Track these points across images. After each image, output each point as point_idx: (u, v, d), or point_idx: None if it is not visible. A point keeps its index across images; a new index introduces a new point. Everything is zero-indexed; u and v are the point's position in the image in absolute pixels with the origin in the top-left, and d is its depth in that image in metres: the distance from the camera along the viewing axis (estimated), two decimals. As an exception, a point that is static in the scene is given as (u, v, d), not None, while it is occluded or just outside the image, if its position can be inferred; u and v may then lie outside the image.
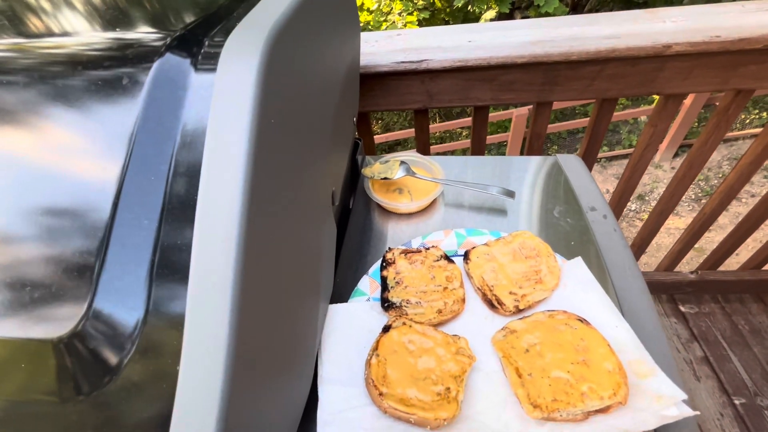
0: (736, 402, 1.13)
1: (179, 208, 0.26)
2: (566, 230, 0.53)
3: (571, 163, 0.62)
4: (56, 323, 0.25)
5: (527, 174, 0.63)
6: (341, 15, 0.49)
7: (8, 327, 0.25)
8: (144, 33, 0.32)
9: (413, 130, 3.67)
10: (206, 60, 0.29)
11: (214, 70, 0.27)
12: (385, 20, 3.67)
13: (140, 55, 0.29)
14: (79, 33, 0.32)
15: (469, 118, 3.52)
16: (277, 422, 0.31)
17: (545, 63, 0.73)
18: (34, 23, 0.35)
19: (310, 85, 0.37)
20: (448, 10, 4.05)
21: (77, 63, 0.30)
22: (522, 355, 0.38)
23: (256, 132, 0.25)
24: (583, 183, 0.58)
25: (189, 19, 0.33)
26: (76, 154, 0.27)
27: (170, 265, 0.25)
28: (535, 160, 0.65)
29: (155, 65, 0.28)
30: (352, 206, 0.62)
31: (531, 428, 0.35)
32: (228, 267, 0.23)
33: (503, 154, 3.53)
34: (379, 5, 3.77)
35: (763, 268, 1.25)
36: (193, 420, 0.23)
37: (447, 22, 4.18)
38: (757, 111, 3.83)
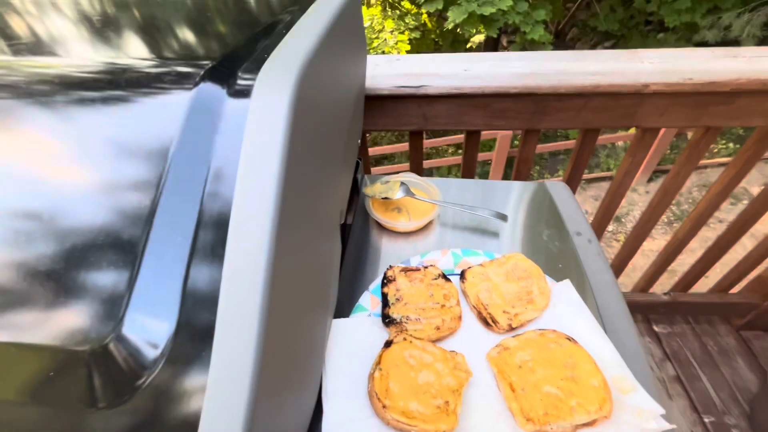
0: (706, 420, 1.19)
1: (211, 227, 0.28)
2: (554, 253, 0.56)
3: (558, 189, 0.66)
4: (89, 333, 0.26)
5: (518, 198, 0.66)
6: (354, 42, 0.52)
7: (41, 335, 0.26)
8: (182, 61, 0.34)
9: (400, 145, 3.71)
10: (240, 90, 0.31)
11: (247, 99, 0.30)
12: (377, 37, 3.76)
13: (179, 83, 0.31)
14: (120, 57, 0.34)
15: (456, 136, 3.62)
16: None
17: (535, 94, 0.78)
18: (77, 47, 0.36)
19: (327, 111, 0.39)
20: (438, 31, 4.19)
21: (118, 84, 0.31)
22: (515, 370, 0.41)
23: (285, 160, 0.27)
24: (569, 209, 0.63)
25: (222, 49, 0.35)
26: (115, 170, 0.29)
27: (202, 279, 0.27)
28: (525, 186, 0.69)
29: (193, 93, 0.30)
30: (352, 224, 0.64)
31: (524, 440, 0.37)
32: (257, 284, 0.25)
33: (488, 171, 3.63)
34: (372, 23, 3.86)
35: (730, 292, 1.33)
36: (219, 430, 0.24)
37: (437, 43, 4.32)
38: (724, 141, 4.07)
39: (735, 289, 1.33)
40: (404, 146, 3.70)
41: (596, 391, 0.38)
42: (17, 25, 0.40)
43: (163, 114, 0.30)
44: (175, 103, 0.31)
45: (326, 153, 0.40)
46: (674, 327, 1.40)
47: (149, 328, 0.27)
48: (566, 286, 0.49)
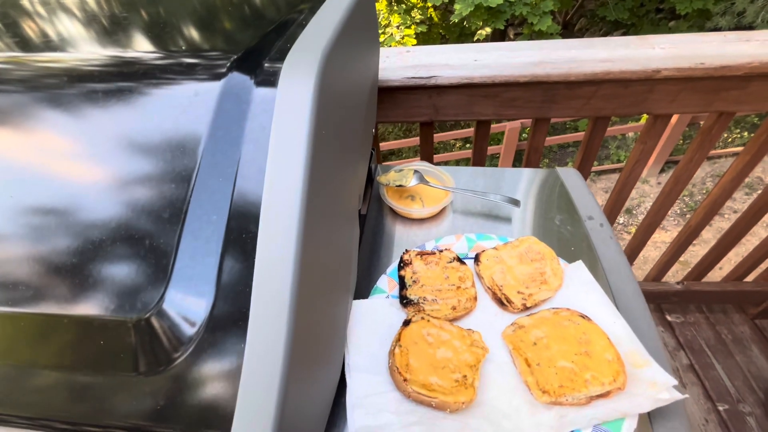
0: (720, 408, 1.19)
1: (244, 207, 0.30)
2: (566, 237, 0.57)
3: (569, 175, 0.67)
4: (134, 306, 0.28)
5: (530, 185, 0.67)
6: (369, 33, 0.53)
7: (91, 306, 0.28)
8: (208, 54, 0.35)
9: (407, 140, 3.71)
10: (267, 78, 0.33)
11: (274, 87, 0.31)
12: (383, 32, 3.76)
13: (208, 72, 0.33)
14: (150, 50, 0.36)
15: (463, 130, 3.61)
16: (316, 405, 0.35)
17: (545, 82, 0.78)
18: (109, 39, 0.38)
19: (346, 99, 0.41)
20: (444, 25, 4.17)
21: (150, 75, 0.33)
22: (530, 347, 0.42)
23: (312, 141, 0.29)
24: (581, 194, 0.63)
25: (244, 44, 0.37)
26: (154, 155, 0.31)
27: (237, 256, 0.29)
28: (537, 173, 0.70)
29: (222, 81, 0.32)
30: (367, 212, 0.66)
31: (540, 411, 0.39)
32: (288, 266, 0.26)
33: (496, 165, 3.62)
34: (378, 18, 3.86)
35: (744, 280, 1.32)
36: (256, 403, 0.26)
37: (444, 37, 4.30)
38: (738, 131, 4.00)
39: (750, 278, 1.32)
40: (411, 141, 3.70)
41: (610, 365, 0.39)
42: (42, 21, 0.42)
43: (195, 103, 0.32)
44: (205, 93, 0.32)
45: (346, 139, 0.41)
46: (687, 316, 1.39)
47: (187, 306, 0.29)
48: (579, 267, 0.50)
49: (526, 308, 0.47)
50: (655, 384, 0.38)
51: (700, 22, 3.89)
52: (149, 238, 0.29)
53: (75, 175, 0.31)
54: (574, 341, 0.42)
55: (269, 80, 0.33)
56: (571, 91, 0.81)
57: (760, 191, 1.05)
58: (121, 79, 0.33)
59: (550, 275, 0.49)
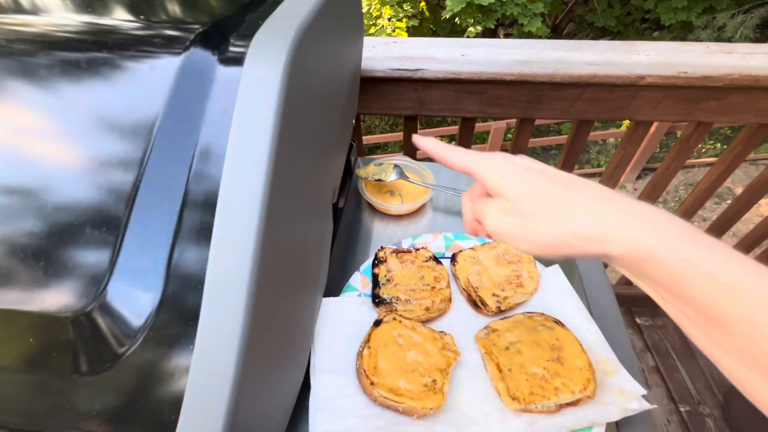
0: (682, 409, 1.23)
1: (201, 196, 0.27)
2: (545, 240, 0.56)
3: (551, 177, 0.67)
4: (71, 299, 0.25)
5: (511, 185, 0.67)
6: (350, 19, 0.51)
7: (23, 300, 0.25)
8: (170, 24, 0.32)
9: (393, 134, 3.69)
10: (232, 57, 0.30)
11: (240, 65, 0.29)
12: (374, 24, 3.71)
13: (167, 47, 0.30)
14: (102, 17, 0.33)
15: (449, 127, 3.61)
16: (275, 407, 0.33)
17: (531, 82, 0.77)
18: (54, 4, 0.34)
19: (322, 86, 0.38)
20: (435, 20, 4.14)
21: (100, 44, 0.30)
22: (503, 351, 0.41)
23: (279, 126, 0.26)
24: (561, 197, 0.63)
25: (213, 13, 0.34)
26: (98, 135, 0.28)
27: (189, 249, 0.27)
28: (518, 173, 0.69)
29: (183, 56, 0.29)
30: (344, 205, 0.63)
31: (509, 419, 0.38)
32: (246, 256, 0.24)
33: (480, 164, 3.62)
34: (369, 9, 3.80)
35: (710, 286, 1.36)
36: (204, 403, 0.24)
37: (434, 32, 4.27)
38: (712, 142, 4.14)
39: (716, 284, 1.36)
40: (397, 136, 3.67)
41: (581, 373, 0.39)
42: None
43: (150, 78, 0.29)
44: (163, 68, 0.29)
45: (321, 128, 0.39)
46: (656, 319, 1.43)
47: (133, 298, 0.26)
48: (555, 271, 0.49)
49: (500, 311, 0.46)
50: (624, 392, 0.38)
51: (683, 33, 3.99)
52: (91, 226, 0.26)
53: (5, 154, 0.27)
54: (547, 347, 0.41)
55: (235, 59, 0.30)
56: (557, 92, 0.80)
57: (729, 200, 1.08)
58: (66, 49, 0.30)
59: (526, 278, 0.48)
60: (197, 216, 0.27)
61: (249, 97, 0.27)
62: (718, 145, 4.14)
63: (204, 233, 0.27)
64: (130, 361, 0.26)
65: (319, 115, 0.38)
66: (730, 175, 0.98)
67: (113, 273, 0.26)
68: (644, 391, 0.38)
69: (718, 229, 1.13)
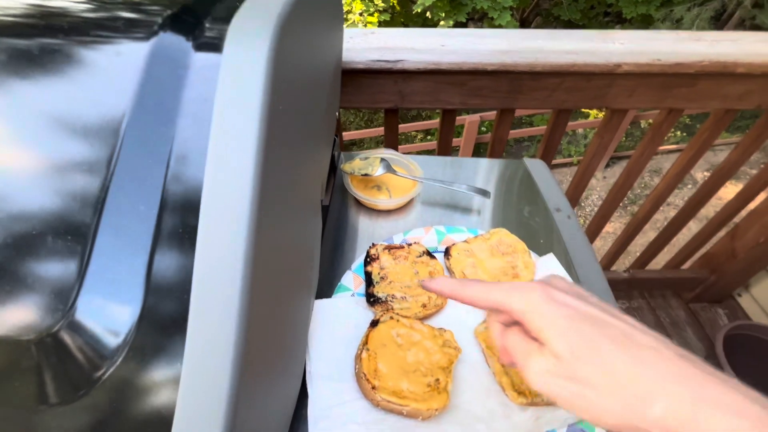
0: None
1: (182, 194, 0.24)
2: (535, 228, 0.56)
3: (536, 166, 0.66)
4: (34, 318, 0.22)
5: (497, 176, 0.66)
6: (332, 8, 0.48)
7: (-25, 325, 0.22)
8: (133, 5, 0.29)
9: (369, 130, 3.65)
10: (210, 39, 0.27)
11: (218, 50, 0.26)
12: (346, 19, 3.66)
13: (133, 30, 0.27)
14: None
15: (425, 122, 3.62)
16: (273, 421, 0.30)
17: (511, 72, 0.77)
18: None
19: (308, 74, 0.36)
20: (406, 14, 4.13)
21: (53, 29, 0.27)
22: (504, 345, 0.40)
23: (267, 115, 0.24)
24: (548, 185, 0.63)
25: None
26: (57, 132, 0.24)
27: (171, 255, 0.24)
28: (503, 163, 0.68)
29: (153, 41, 0.26)
30: (329, 203, 0.61)
31: (514, 413, 0.37)
32: (237, 261, 0.21)
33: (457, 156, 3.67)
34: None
35: (681, 268, 1.42)
36: (198, 424, 0.21)
37: (406, 26, 4.26)
38: (673, 130, 4.35)
39: (686, 266, 1.42)
40: (374, 131, 3.65)
41: (584, 361, 0.38)
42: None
43: (115, 66, 0.26)
44: (130, 54, 0.26)
45: (308, 120, 0.37)
46: (632, 302, 1.48)
47: (108, 313, 0.23)
48: (550, 260, 0.49)
49: (498, 304, 0.45)
50: (627, 379, 0.38)
51: (643, 26, 4.16)
52: (53, 235, 0.23)
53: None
54: (548, 337, 0.41)
55: (212, 43, 0.27)
56: (537, 82, 0.80)
57: (689, 186, 1.12)
58: (11, 36, 0.26)
59: (521, 268, 0.48)
60: (178, 218, 0.24)
61: (232, 83, 0.24)
62: (679, 133, 4.36)
63: (187, 236, 0.24)
64: (109, 385, 0.23)
65: (306, 105, 0.36)
66: (699, 158, 1.02)
67: (82, 286, 0.23)
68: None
69: (688, 213, 1.18)
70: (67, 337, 0.23)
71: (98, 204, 0.23)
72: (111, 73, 0.25)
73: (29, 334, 0.22)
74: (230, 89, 0.24)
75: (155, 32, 0.27)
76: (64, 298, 0.23)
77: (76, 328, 0.23)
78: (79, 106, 0.25)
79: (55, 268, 0.23)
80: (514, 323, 0.27)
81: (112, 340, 0.23)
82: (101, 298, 0.23)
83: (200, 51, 0.27)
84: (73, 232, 0.23)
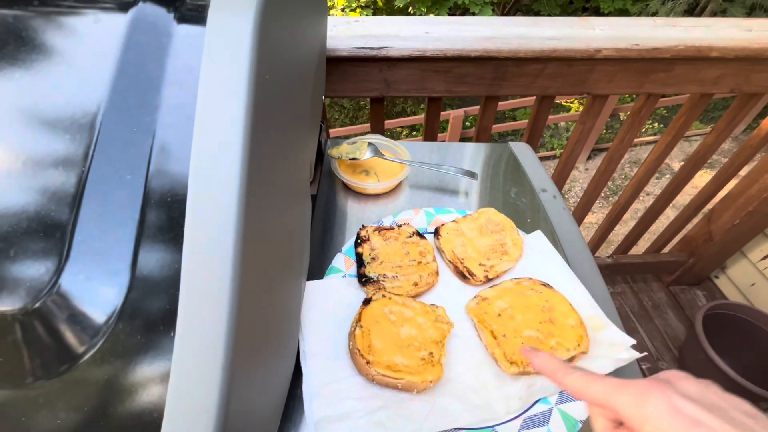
0: (643, 367, 1.32)
1: (168, 164, 0.24)
2: (522, 208, 0.57)
3: (522, 149, 0.67)
4: (19, 292, 0.21)
5: (484, 159, 0.67)
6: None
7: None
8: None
9: (354, 127, 3.62)
10: (190, 14, 0.26)
11: (202, 17, 0.26)
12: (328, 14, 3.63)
13: (109, 3, 0.26)
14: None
15: (410, 117, 3.62)
16: (267, 402, 0.30)
17: (495, 58, 0.78)
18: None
19: (293, 55, 0.35)
20: (388, 9, 4.12)
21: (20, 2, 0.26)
22: (495, 318, 0.41)
23: (254, 81, 0.23)
24: (533, 167, 0.64)
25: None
26: (41, 99, 0.23)
27: (161, 225, 0.23)
28: (489, 147, 0.69)
29: (135, 8, 0.25)
30: (318, 189, 0.60)
31: (507, 383, 0.37)
32: (227, 245, 0.20)
33: (442, 152, 3.68)
34: (321, -2, 3.71)
35: (661, 252, 1.47)
36: (192, 400, 0.20)
37: (388, 22, 4.26)
38: (650, 121, 4.46)
39: (665, 250, 1.46)
40: (360, 128, 3.63)
41: (573, 330, 0.39)
42: None
43: (98, 31, 0.25)
44: (110, 20, 0.25)
45: (294, 97, 0.36)
46: (616, 287, 1.52)
47: (96, 282, 0.22)
48: (538, 237, 0.50)
49: (488, 280, 0.46)
50: (614, 345, 0.39)
51: (620, 21, 4.25)
52: (35, 205, 0.22)
53: None
54: (538, 309, 0.41)
55: (194, 17, 0.27)
56: (520, 68, 0.81)
57: (667, 175, 1.16)
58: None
59: (510, 246, 0.48)
60: (166, 187, 0.24)
61: (217, 50, 0.24)
62: (656, 124, 4.47)
63: (176, 207, 0.23)
64: (98, 357, 0.22)
65: (292, 82, 0.35)
66: (676, 144, 1.05)
67: (67, 262, 0.22)
68: (633, 341, 0.39)
69: (663, 201, 1.22)
70: (52, 310, 0.22)
71: (83, 171, 0.23)
72: (91, 39, 0.25)
73: (13, 306, 0.21)
74: (217, 54, 0.23)
75: (133, 3, 0.26)
76: (50, 271, 0.22)
77: (62, 301, 0.22)
78: (60, 74, 0.24)
79: (40, 241, 0.22)
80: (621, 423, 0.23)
81: (97, 317, 0.23)
82: (87, 273, 0.23)
83: (184, 18, 0.26)
84: (57, 202, 0.22)
